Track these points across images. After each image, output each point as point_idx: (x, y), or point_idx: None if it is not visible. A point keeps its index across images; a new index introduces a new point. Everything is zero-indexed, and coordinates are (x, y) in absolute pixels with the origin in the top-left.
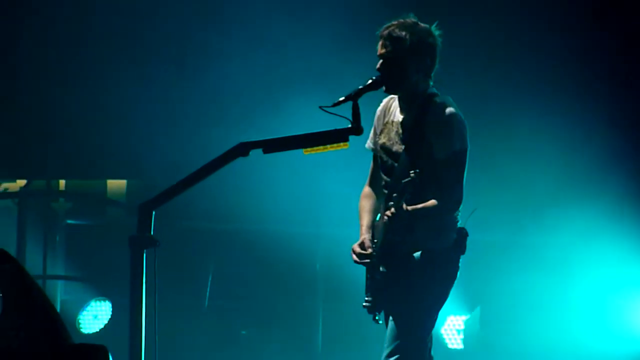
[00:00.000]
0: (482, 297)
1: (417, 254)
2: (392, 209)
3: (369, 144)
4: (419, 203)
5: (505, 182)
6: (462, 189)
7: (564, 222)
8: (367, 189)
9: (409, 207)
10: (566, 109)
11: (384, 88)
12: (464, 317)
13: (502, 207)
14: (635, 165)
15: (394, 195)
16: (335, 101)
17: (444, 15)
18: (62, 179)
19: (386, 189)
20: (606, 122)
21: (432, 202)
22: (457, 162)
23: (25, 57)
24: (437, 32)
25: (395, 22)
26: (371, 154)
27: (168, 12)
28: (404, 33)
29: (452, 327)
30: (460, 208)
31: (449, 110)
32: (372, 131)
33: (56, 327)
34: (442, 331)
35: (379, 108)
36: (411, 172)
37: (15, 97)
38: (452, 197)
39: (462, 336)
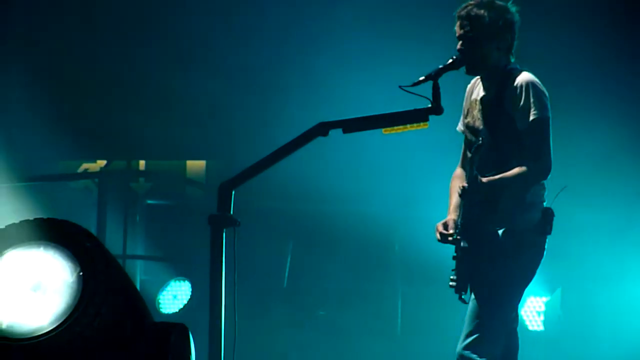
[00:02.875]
0: (563, 278)
1: (500, 232)
2: (465, 183)
3: (459, 126)
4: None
5: (593, 163)
6: (549, 158)
7: None
8: (458, 170)
9: (485, 179)
10: None
11: (465, 69)
12: (545, 299)
13: (588, 188)
14: None
15: (467, 168)
16: (416, 81)
17: None
18: (142, 159)
19: None
20: None
21: (515, 170)
22: (539, 130)
23: (106, 41)
24: (514, 9)
25: (472, 2)
26: (462, 136)
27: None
28: (482, 11)
29: (532, 308)
30: (545, 185)
31: (525, 79)
32: (462, 114)
33: (137, 306)
34: (522, 312)
35: (467, 89)
36: (480, 138)
37: (95, 79)
38: (538, 165)
39: (542, 318)
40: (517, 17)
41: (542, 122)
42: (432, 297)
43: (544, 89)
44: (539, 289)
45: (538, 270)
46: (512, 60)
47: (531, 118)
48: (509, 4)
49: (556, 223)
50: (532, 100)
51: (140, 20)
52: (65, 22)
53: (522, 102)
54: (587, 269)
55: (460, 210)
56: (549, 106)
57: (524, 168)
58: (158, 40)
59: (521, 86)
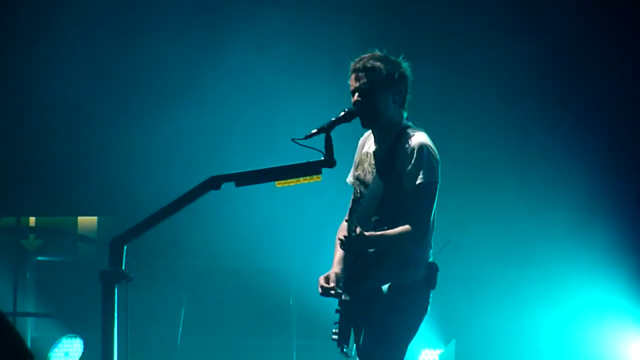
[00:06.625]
0: (457, 330)
1: (385, 287)
2: (344, 234)
3: (349, 178)
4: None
5: (486, 214)
6: (427, 224)
7: (541, 256)
8: (344, 223)
9: (367, 233)
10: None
11: (361, 122)
12: (439, 351)
13: (481, 240)
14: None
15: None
16: (308, 133)
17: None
18: (32, 216)
19: None
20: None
21: (397, 230)
22: (422, 195)
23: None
24: (406, 64)
25: (366, 55)
26: (351, 189)
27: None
28: (378, 63)
29: None
30: (431, 242)
31: (419, 141)
32: (353, 165)
33: None
34: None
35: (360, 142)
36: (359, 190)
37: None
38: (417, 228)
39: None
40: (409, 72)
41: (427, 186)
42: (327, 350)
43: (436, 153)
44: (433, 340)
45: (432, 322)
46: (405, 115)
47: (417, 182)
48: (401, 59)
49: (448, 274)
50: (422, 163)
51: (31, 80)
52: None
53: (411, 165)
54: (481, 320)
55: (343, 263)
56: (438, 171)
57: (404, 228)
58: (50, 95)
59: (413, 148)
